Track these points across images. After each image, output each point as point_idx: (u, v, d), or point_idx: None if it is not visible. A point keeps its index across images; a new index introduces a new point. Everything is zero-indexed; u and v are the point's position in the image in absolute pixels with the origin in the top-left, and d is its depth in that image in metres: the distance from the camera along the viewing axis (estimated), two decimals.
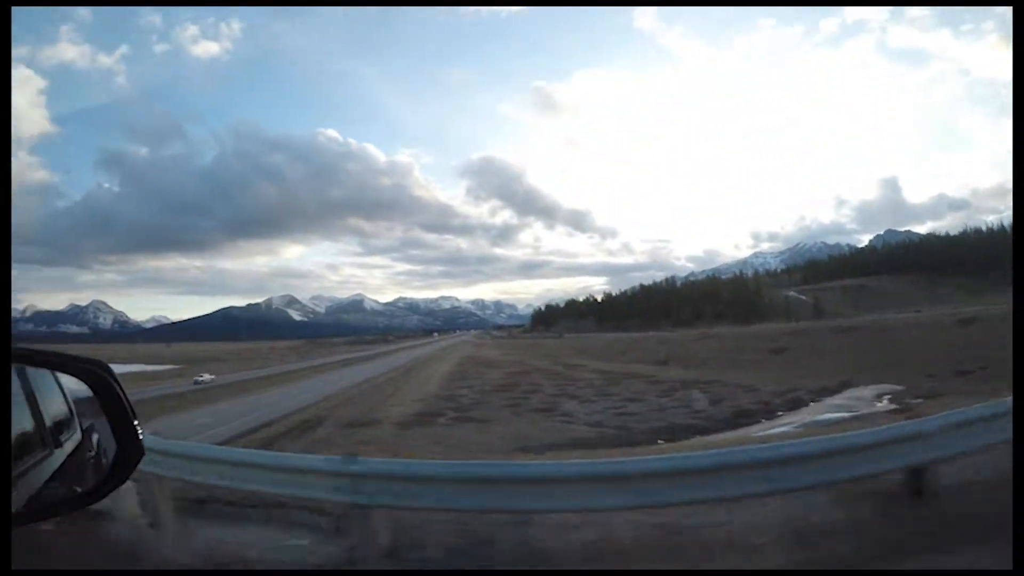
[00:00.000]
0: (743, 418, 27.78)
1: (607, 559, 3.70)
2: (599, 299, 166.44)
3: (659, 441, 22.62)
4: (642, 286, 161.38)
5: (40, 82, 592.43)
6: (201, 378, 48.01)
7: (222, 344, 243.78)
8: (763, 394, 32.43)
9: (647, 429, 23.78)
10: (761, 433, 23.50)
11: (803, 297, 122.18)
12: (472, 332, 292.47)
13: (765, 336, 58.91)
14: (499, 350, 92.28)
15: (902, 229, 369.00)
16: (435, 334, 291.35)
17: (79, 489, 1.27)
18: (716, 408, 29.27)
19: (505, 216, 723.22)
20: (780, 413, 29.77)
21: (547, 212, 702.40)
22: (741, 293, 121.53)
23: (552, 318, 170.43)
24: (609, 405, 30.69)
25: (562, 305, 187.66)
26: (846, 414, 22.70)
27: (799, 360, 46.08)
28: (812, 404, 30.45)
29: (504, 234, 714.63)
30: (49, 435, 1.27)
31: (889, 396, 29.44)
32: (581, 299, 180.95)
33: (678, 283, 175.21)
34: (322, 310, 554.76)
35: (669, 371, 46.91)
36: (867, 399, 29.85)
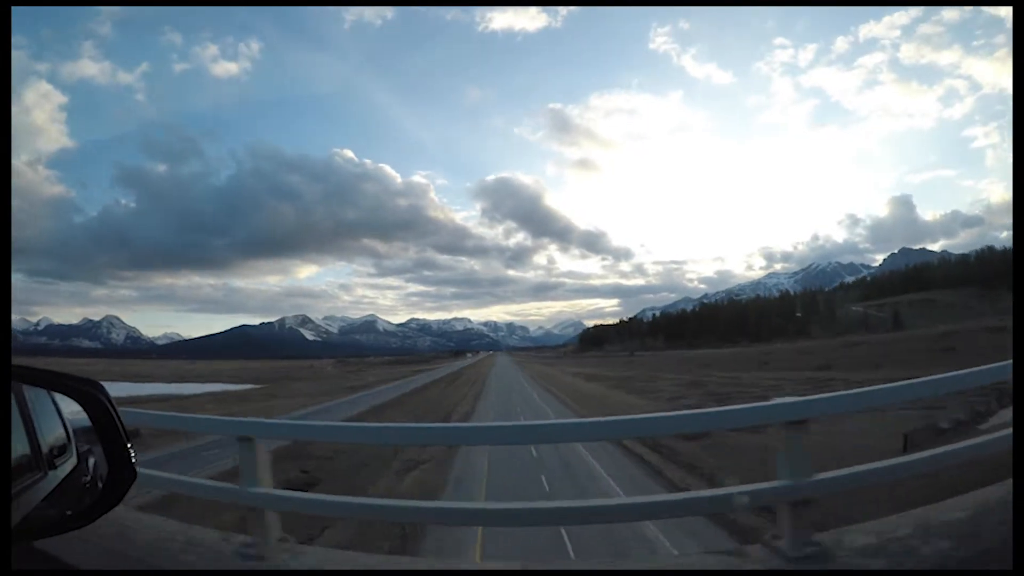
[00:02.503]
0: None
1: None
2: (658, 318, 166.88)
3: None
4: (703, 304, 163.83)
5: (60, 98, 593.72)
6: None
7: (248, 363, 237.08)
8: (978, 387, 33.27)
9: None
10: None
11: (874, 313, 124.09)
12: (500, 353, 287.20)
13: (919, 340, 60.25)
14: (595, 368, 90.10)
15: (916, 247, 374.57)
16: (469, 355, 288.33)
17: (70, 512, 1.27)
18: (955, 401, 30.13)
19: (519, 238, 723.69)
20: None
21: (561, 234, 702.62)
22: (816, 308, 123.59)
23: (603, 338, 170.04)
24: None
25: (578, 328, 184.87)
26: None
27: (974, 357, 47.22)
28: None
29: (518, 256, 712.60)
30: (43, 457, 1.26)
31: None
32: (640, 317, 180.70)
33: (692, 305, 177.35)
34: (335, 330, 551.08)
35: (848, 375, 47.46)
36: None
